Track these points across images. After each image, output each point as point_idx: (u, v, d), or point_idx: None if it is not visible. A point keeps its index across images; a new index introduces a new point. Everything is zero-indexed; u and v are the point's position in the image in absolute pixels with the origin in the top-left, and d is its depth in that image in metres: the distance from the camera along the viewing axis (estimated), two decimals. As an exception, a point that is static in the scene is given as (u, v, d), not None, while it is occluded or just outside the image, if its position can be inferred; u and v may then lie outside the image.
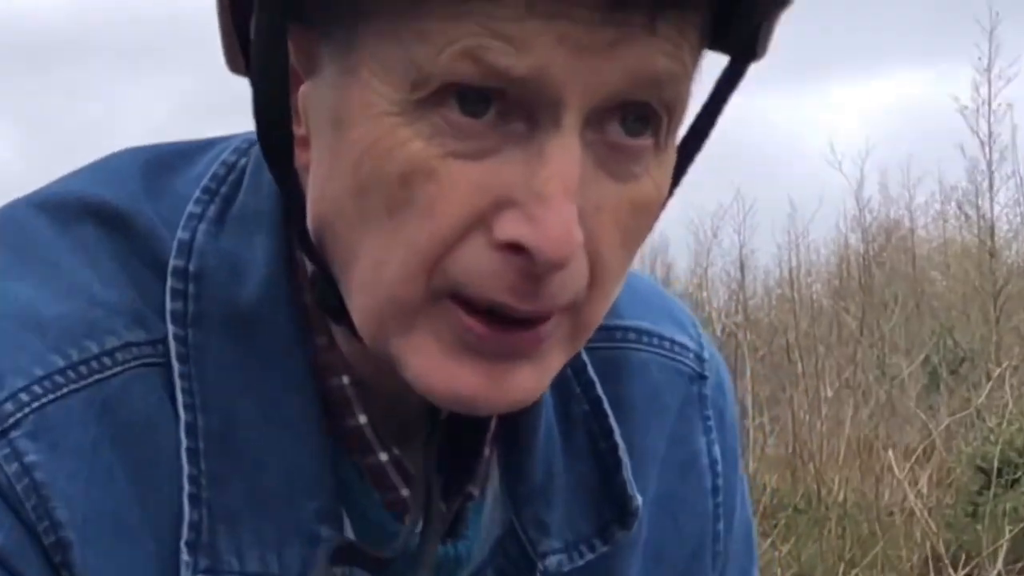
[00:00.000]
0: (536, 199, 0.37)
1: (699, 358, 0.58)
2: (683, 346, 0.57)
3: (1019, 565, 4.01)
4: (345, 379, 0.46)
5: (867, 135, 16.00)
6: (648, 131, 0.39)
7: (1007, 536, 3.89)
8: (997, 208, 8.61)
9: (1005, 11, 7.77)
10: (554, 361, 0.43)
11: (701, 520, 0.57)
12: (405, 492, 0.47)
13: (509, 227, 0.37)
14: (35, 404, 0.43)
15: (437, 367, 0.40)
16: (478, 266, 0.38)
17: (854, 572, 3.68)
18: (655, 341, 0.56)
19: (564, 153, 0.37)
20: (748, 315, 8.44)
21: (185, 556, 0.43)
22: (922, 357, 6.25)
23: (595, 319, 0.43)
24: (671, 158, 0.42)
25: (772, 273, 10.90)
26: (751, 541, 0.64)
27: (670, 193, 0.43)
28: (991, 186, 8.46)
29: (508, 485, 0.51)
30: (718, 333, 5.98)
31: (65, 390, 0.43)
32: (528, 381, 0.42)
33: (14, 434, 0.42)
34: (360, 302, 0.41)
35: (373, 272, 0.40)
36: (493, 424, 0.49)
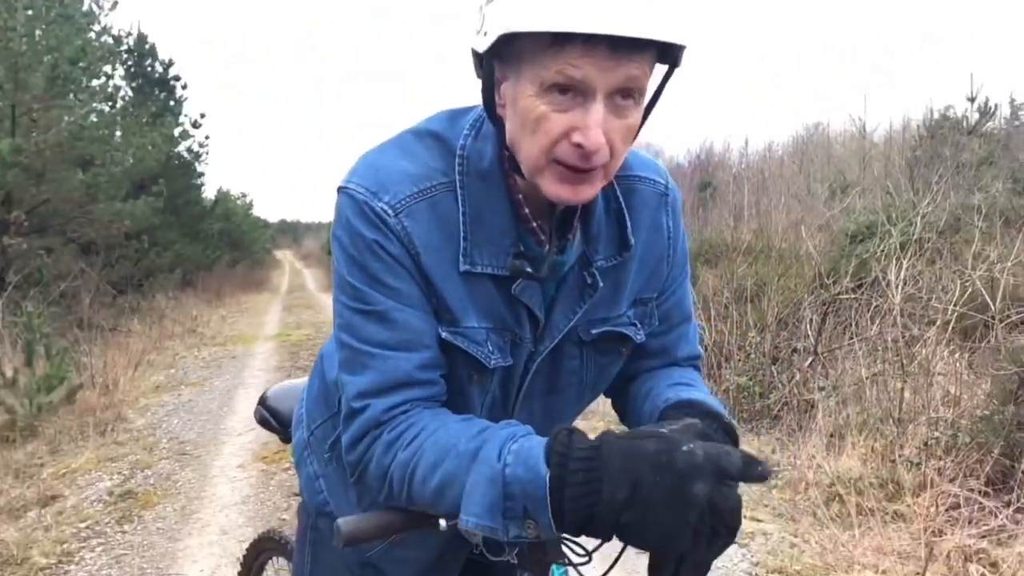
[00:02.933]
0: (586, 128, 1.01)
1: (666, 186, 1.31)
2: (657, 181, 1.30)
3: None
4: (520, 196, 1.17)
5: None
6: (631, 99, 1.03)
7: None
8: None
9: None
10: (598, 185, 1.09)
11: (661, 247, 1.32)
12: (543, 238, 1.18)
13: (577, 137, 1.02)
14: (410, 203, 1.15)
15: (554, 187, 1.08)
16: (566, 152, 1.04)
17: (775, 283, 8.01)
18: (646, 179, 1.29)
19: (597, 110, 1.01)
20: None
21: (461, 259, 1.16)
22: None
23: (614, 170, 1.10)
24: (641, 110, 1.06)
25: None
26: (686, 261, 1.38)
27: (641, 124, 1.07)
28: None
29: (583, 235, 1.21)
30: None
31: (418, 199, 1.15)
32: (588, 192, 1.09)
33: (403, 214, 1.14)
34: (525, 164, 1.10)
35: (528, 154, 1.07)
36: (578, 210, 1.18)
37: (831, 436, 5.92)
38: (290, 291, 26.16)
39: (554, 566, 1.24)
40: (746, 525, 4.65)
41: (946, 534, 4.30)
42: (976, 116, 13.42)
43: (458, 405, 1.24)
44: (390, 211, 1.15)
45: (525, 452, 1.02)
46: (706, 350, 7.84)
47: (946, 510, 4.68)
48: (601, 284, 1.26)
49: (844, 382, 6.47)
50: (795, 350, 7.32)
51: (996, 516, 4.33)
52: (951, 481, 4.95)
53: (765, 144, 20.56)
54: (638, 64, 1.03)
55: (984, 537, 4.27)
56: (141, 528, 4.71)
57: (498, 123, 1.16)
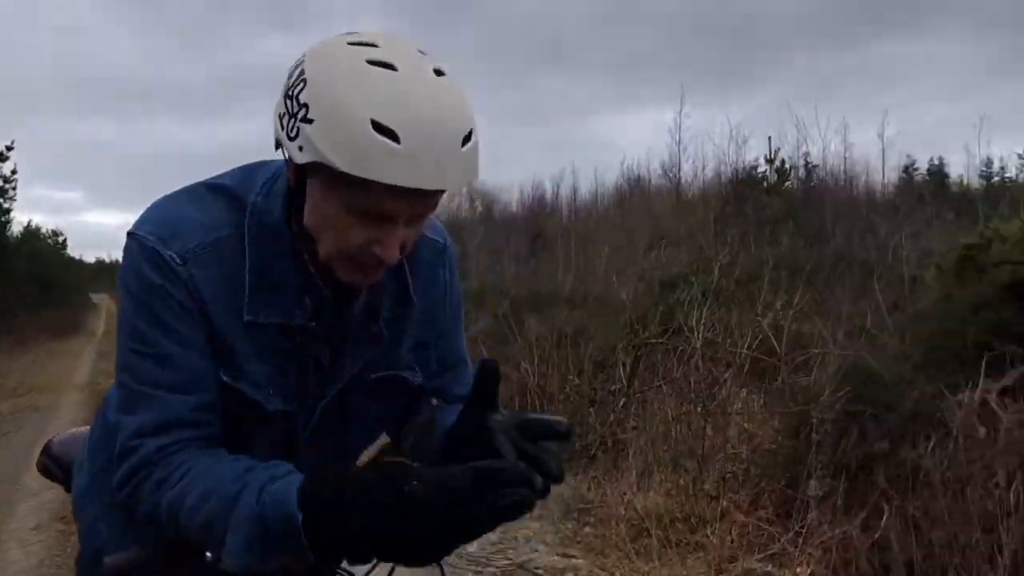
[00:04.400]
0: (386, 246, 1.17)
1: (444, 243, 1.45)
2: (437, 240, 1.45)
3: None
4: (306, 254, 1.25)
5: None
6: (420, 220, 1.21)
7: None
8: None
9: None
10: (384, 272, 1.25)
11: (438, 297, 1.45)
12: (327, 293, 1.28)
13: (376, 249, 1.17)
14: (198, 252, 1.22)
15: (348, 275, 1.23)
16: (365, 256, 1.18)
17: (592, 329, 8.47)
18: (427, 239, 1.41)
19: (398, 232, 1.17)
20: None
21: (245, 310, 1.24)
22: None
23: (398, 262, 1.24)
24: (421, 227, 1.26)
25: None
26: (460, 308, 1.52)
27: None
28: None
29: (368, 289, 1.30)
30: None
31: (206, 249, 1.23)
32: (380, 276, 1.26)
33: (191, 263, 1.22)
34: (322, 251, 1.20)
35: (326, 247, 1.20)
36: (365, 286, 1.29)
37: (641, 473, 6.28)
38: (107, 335, 24.48)
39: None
40: (556, 561, 4.86)
41: (736, 561, 4.66)
42: (775, 177, 14.84)
43: (241, 446, 1.27)
44: (178, 259, 1.20)
45: (281, 494, 1.10)
46: (530, 393, 8.12)
47: (739, 538, 5.09)
48: (386, 335, 1.36)
49: (653, 422, 6.89)
50: (611, 392, 7.72)
51: (778, 540, 4.75)
52: (744, 512, 5.40)
53: (591, 193, 21.83)
54: (436, 197, 1.18)
55: (768, 560, 4.67)
56: (-84, 599, 4.30)
57: (295, 190, 1.24)
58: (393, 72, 1.11)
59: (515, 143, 34.78)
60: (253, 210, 1.26)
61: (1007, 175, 16.82)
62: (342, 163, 1.09)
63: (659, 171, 19.11)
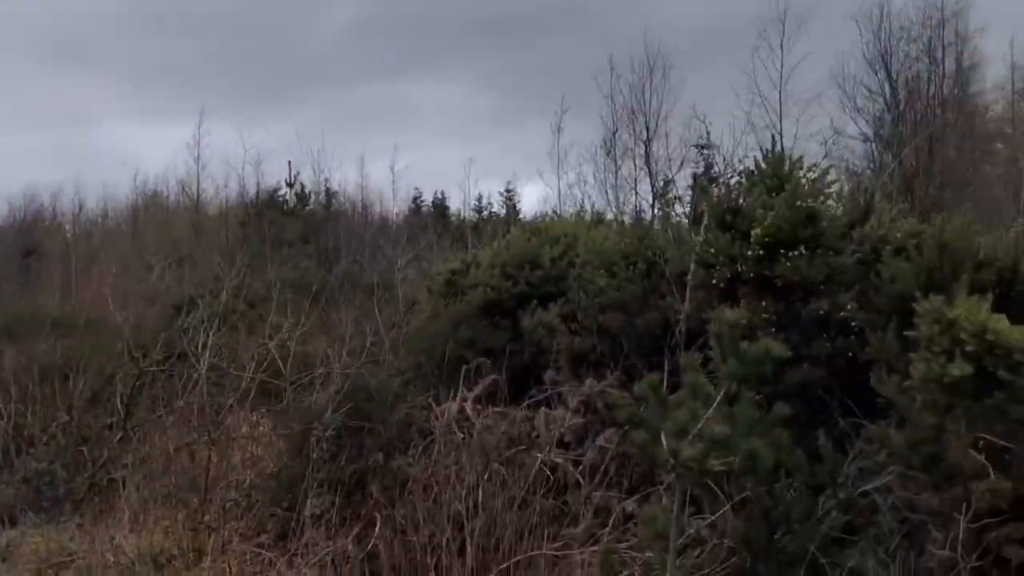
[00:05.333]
0: None
1: None
2: None
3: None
4: None
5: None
6: None
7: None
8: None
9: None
10: None
11: None
12: None
13: None
14: None
15: None
16: None
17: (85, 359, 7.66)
18: None
19: None
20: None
21: None
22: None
23: None
24: None
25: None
26: None
27: None
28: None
29: None
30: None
31: None
32: None
33: None
34: None
35: None
36: None
37: (136, 513, 5.78)
38: None
39: None
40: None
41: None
42: (295, 200, 15.08)
43: None
44: None
45: None
46: (7, 436, 7.00)
47: (239, 566, 4.95)
48: None
49: (153, 456, 6.41)
50: (107, 427, 7.00)
51: (274, 565, 4.73)
52: (245, 539, 5.28)
53: (99, 208, 19.67)
54: None
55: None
56: None
57: None
58: None
59: (3, 149, 29.95)
60: None
61: (493, 210, 19.58)
62: None
63: (177, 188, 18.14)
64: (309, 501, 5.14)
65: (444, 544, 4.55)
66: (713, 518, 4.03)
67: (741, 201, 5.12)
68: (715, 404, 3.38)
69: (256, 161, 16.91)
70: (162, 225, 16.70)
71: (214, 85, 31.26)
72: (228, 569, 4.93)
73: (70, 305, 8.81)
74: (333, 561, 4.73)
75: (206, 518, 5.58)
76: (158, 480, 6.14)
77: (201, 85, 33.23)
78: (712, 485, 3.94)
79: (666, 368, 4.90)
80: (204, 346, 6.60)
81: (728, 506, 3.97)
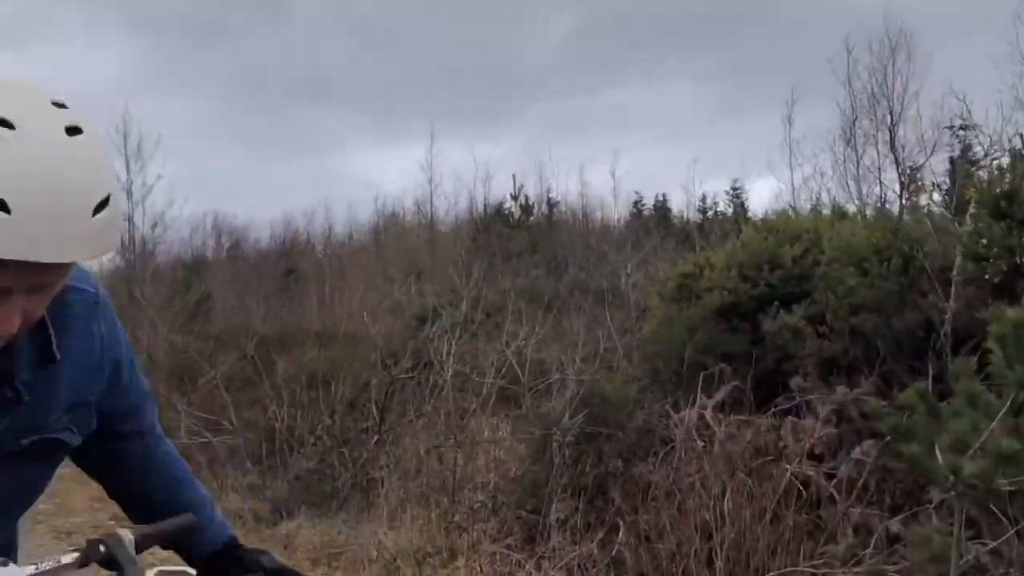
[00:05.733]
0: (2, 318, 1.06)
1: (96, 294, 1.33)
2: (88, 291, 1.32)
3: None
4: None
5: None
6: (46, 289, 1.09)
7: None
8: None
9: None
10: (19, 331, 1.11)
11: (95, 353, 1.33)
12: None
13: None
14: None
15: None
16: None
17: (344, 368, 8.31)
18: (77, 290, 1.28)
19: (16, 303, 1.06)
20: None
21: None
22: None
23: (34, 322, 1.13)
24: (53, 293, 1.14)
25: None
26: (128, 351, 1.44)
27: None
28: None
29: (1, 351, 1.15)
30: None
31: None
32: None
33: None
34: None
35: None
36: None
37: (393, 511, 6.19)
38: None
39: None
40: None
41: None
42: (519, 212, 15.55)
43: None
44: None
45: None
46: (278, 437, 7.76)
47: (489, 567, 5.14)
48: (27, 397, 1.24)
49: (406, 458, 6.84)
50: (364, 430, 7.57)
51: (523, 567, 4.86)
52: (492, 540, 5.48)
53: (345, 228, 21.59)
54: (64, 268, 1.09)
55: (514, 587, 4.76)
56: None
57: None
58: (10, 131, 0.99)
59: (267, 177, 33.65)
60: None
61: (719, 209, 19.00)
62: None
63: (413, 207, 19.43)
64: (554, 506, 5.24)
65: (692, 554, 4.45)
66: (996, 543, 3.62)
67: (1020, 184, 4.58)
68: (1000, 414, 3.04)
69: (485, 177, 17.76)
70: (400, 242, 17.86)
71: (443, 104, 33.15)
72: (480, 568, 5.12)
73: (329, 319, 9.61)
74: (580, 566, 4.77)
75: (455, 518, 5.86)
76: (411, 480, 6.54)
77: (430, 106, 35.33)
78: (992, 506, 3.54)
79: (930, 374, 4.50)
80: (448, 354, 6.96)
81: (1013, 531, 3.55)
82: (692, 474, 4.96)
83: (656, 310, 7.42)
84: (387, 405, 7.54)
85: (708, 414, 5.56)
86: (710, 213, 18.24)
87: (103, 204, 1.05)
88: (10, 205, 0.98)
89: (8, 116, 1.00)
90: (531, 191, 17.34)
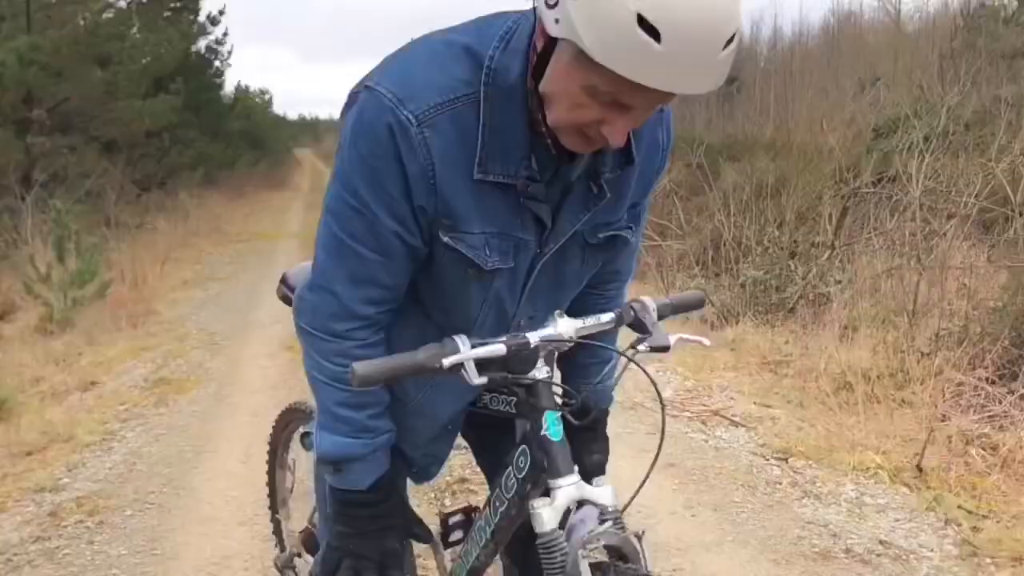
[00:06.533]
0: (616, 128, 1.17)
1: (662, 110, 1.39)
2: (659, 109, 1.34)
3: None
4: (539, 116, 1.22)
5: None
6: (655, 110, 1.23)
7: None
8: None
9: None
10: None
11: (656, 158, 1.45)
12: (554, 152, 1.26)
13: (605, 130, 1.16)
14: (432, 115, 1.20)
15: (571, 142, 1.22)
16: (592, 132, 1.18)
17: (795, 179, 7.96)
18: None
19: (631, 118, 1.17)
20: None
21: (476, 168, 1.24)
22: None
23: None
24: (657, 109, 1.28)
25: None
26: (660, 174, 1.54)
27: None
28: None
29: (592, 156, 1.30)
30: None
31: (441, 111, 1.21)
32: (599, 147, 1.23)
33: (424, 125, 1.20)
34: (550, 118, 1.21)
35: (556, 115, 1.19)
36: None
37: (844, 328, 6.01)
38: (312, 190, 26.22)
39: (548, 412, 1.36)
40: (754, 410, 4.81)
41: (950, 420, 4.41)
42: (1015, 4, 12.90)
43: (459, 300, 1.37)
44: (413, 120, 1.19)
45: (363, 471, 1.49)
46: (724, 245, 7.90)
47: (952, 397, 4.80)
48: (607, 194, 1.36)
49: (860, 276, 6.51)
50: (814, 244, 7.34)
51: (1000, 403, 4.44)
52: (960, 371, 5.06)
53: (794, 32, 20.04)
54: (674, 96, 1.13)
55: (987, 422, 4.39)
56: (177, 411, 4.96)
57: (535, 51, 1.21)
58: None
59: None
60: (490, 67, 1.22)
61: None
62: (598, 53, 1.05)
63: (874, 3, 17.18)
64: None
65: None
66: None
67: None
68: None
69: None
70: (856, 45, 16.17)
71: None
72: (943, 396, 4.80)
73: (783, 128, 9.25)
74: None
75: (915, 342, 5.50)
76: (865, 300, 6.25)
77: None
78: None
79: None
80: (919, 169, 6.30)
81: None
82: None
83: None
84: (842, 220, 7.17)
85: None
86: None
87: (731, 39, 1.06)
88: (663, 36, 1.02)
89: None
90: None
